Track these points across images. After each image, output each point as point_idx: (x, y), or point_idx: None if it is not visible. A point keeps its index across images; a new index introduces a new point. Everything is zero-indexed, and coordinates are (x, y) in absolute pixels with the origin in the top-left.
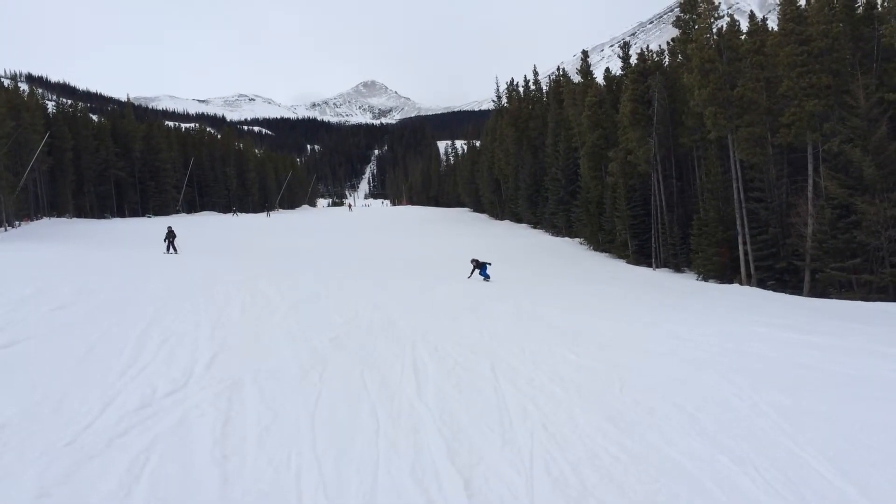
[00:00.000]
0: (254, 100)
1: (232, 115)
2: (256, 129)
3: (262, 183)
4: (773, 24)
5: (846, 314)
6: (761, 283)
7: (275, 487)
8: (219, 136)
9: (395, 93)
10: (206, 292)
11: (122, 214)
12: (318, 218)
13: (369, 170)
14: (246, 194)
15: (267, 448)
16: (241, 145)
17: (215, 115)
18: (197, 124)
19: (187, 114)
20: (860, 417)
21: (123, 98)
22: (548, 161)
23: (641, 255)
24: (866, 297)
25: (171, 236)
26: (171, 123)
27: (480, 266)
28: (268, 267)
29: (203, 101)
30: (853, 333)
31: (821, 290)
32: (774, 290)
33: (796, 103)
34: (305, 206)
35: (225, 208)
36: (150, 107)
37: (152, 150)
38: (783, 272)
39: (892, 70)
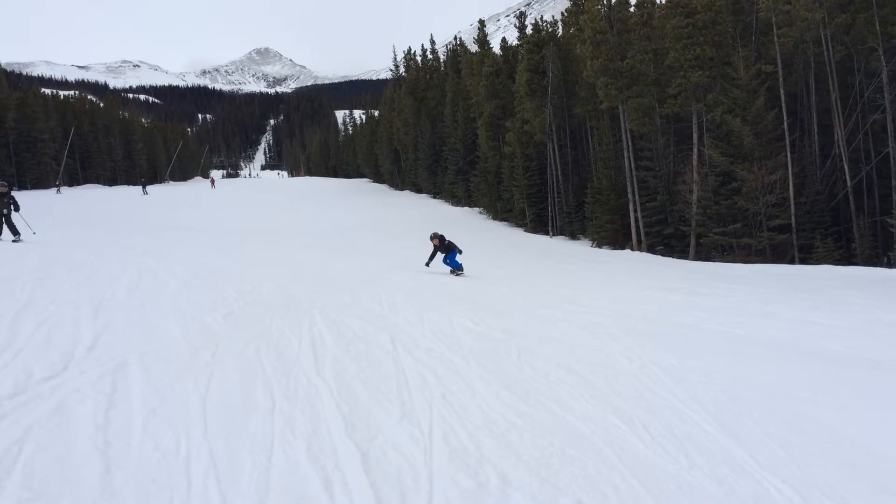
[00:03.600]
0: (139, 66)
1: (115, 83)
2: (143, 97)
3: (150, 154)
4: None
5: (728, 276)
6: (651, 249)
7: (161, 473)
8: (101, 105)
9: (291, 60)
10: (88, 270)
11: None
12: (204, 192)
13: (265, 140)
14: (133, 166)
15: (153, 432)
16: (127, 114)
17: (97, 82)
18: (77, 92)
19: (66, 81)
20: (741, 374)
21: None
22: (446, 131)
23: (539, 224)
24: (746, 260)
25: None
26: (48, 91)
27: (447, 250)
28: (157, 243)
29: (83, 68)
30: (735, 294)
31: (705, 253)
32: (663, 254)
33: (682, 74)
34: (198, 178)
35: (110, 181)
36: (24, 73)
37: (28, 120)
38: (671, 237)
39: (768, 43)
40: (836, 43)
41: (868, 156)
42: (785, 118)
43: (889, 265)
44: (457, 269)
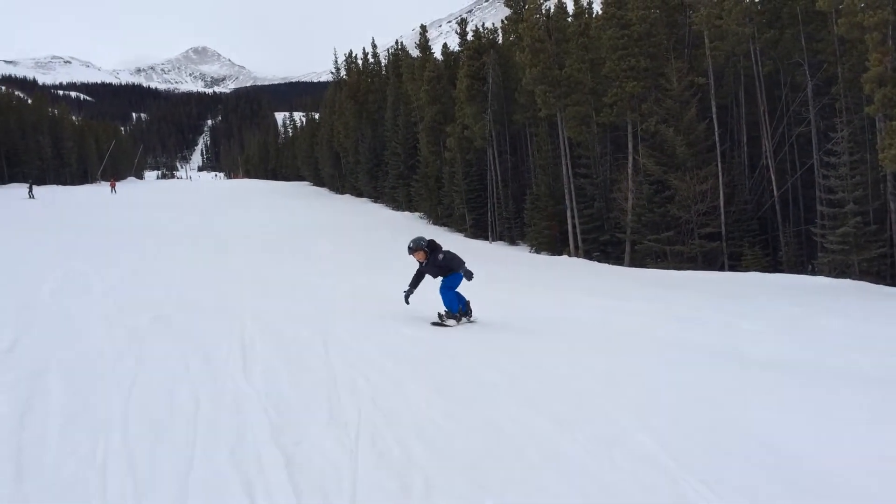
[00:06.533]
0: (70, 62)
1: (45, 79)
2: (74, 94)
3: (81, 153)
4: (597, 7)
5: (661, 282)
6: (588, 255)
7: (77, 479)
8: (29, 101)
9: (229, 60)
10: (8, 271)
11: None
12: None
13: (202, 141)
14: (63, 165)
15: (71, 438)
16: (57, 111)
17: (25, 77)
18: (3, 87)
19: None
20: (669, 377)
21: None
22: (387, 135)
23: (478, 229)
24: (678, 267)
25: None
26: None
27: (445, 270)
28: (85, 244)
29: (10, 63)
30: (667, 300)
31: (639, 260)
32: (599, 261)
33: (617, 84)
34: (132, 179)
35: (39, 180)
36: None
37: None
38: (607, 244)
39: (700, 56)
40: (765, 57)
41: (794, 167)
42: (716, 129)
43: (813, 273)
44: (458, 310)
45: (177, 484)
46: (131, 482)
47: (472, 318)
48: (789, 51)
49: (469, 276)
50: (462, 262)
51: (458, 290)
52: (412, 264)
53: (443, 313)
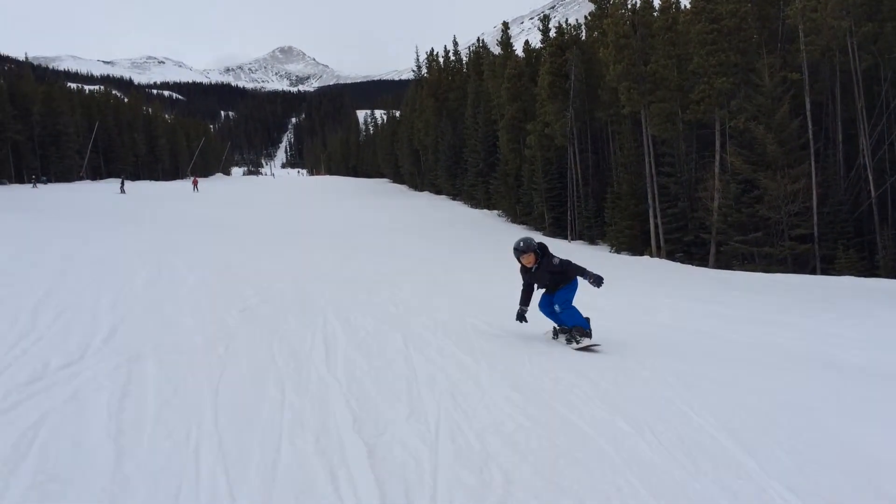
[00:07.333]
0: (163, 62)
1: (140, 78)
2: (166, 93)
3: (172, 150)
4: (685, 1)
5: (746, 285)
6: (670, 256)
7: (172, 461)
8: (126, 100)
9: (313, 59)
10: (108, 263)
11: (20, 180)
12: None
13: (286, 138)
14: (156, 161)
15: (166, 422)
16: (150, 110)
17: (122, 77)
18: (102, 87)
19: (91, 75)
20: (755, 383)
21: (21, 57)
22: (467, 133)
23: (557, 228)
24: (766, 269)
25: None
26: (73, 85)
27: (556, 279)
28: (175, 239)
29: (109, 63)
30: (754, 303)
31: (725, 262)
32: (682, 262)
33: (705, 80)
34: (220, 175)
35: (133, 175)
36: (50, 67)
37: (53, 114)
38: (690, 245)
39: (794, 50)
40: (863, 52)
41: (893, 166)
42: (810, 126)
43: None
44: (578, 328)
45: (265, 469)
46: (222, 465)
47: (591, 340)
48: (890, 45)
49: (598, 281)
50: (582, 267)
51: (574, 300)
52: (493, 264)
53: (575, 336)
